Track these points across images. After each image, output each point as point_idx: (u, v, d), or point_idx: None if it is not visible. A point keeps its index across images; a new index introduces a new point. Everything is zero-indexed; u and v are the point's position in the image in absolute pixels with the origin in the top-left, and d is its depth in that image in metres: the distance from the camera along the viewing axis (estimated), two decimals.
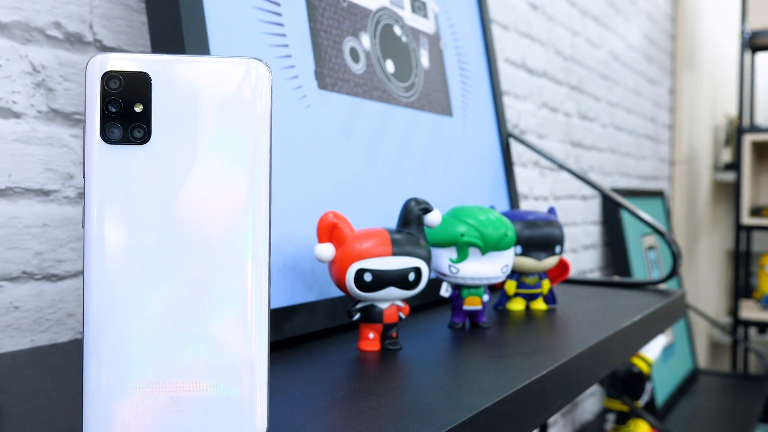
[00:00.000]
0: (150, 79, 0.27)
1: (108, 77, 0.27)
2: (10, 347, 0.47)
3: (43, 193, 0.49)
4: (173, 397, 0.28)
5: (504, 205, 0.82)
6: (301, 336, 0.49)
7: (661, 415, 1.54)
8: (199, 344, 0.28)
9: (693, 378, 1.92)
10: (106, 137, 0.27)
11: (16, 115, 0.48)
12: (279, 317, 0.46)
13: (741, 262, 2.41)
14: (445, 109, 0.74)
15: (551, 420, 1.33)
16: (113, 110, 0.27)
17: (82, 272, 0.27)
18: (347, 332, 0.52)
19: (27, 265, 0.48)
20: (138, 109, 0.27)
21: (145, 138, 0.27)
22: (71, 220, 0.51)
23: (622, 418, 1.32)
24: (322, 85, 0.56)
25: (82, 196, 0.51)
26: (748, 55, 2.39)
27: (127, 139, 0.27)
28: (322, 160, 0.54)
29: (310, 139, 0.54)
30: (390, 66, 0.66)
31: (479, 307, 0.53)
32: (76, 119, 0.51)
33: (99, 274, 0.27)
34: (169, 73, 0.28)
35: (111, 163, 0.27)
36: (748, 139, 2.29)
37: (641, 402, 1.34)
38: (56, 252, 0.50)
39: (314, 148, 0.54)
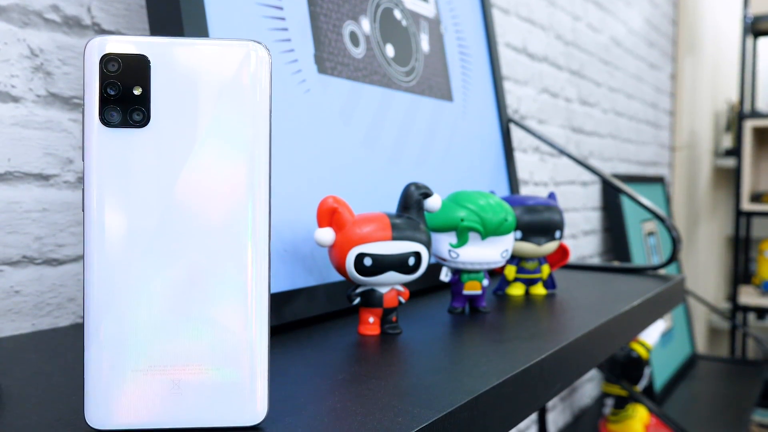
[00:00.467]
0: (149, 61, 0.27)
1: (107, 60, 0.27)
2: (11, 331, 0.47)
3: (43, 178, 0.49)
4: (174, 380, 0.28)
5: (504, 190, 0.82)
6: (302, 320, 0.49)
7: (659, 399, 1.55)
8: (200, 328, 0.28)
9: (691, 363, 1.93)
10: (105, 120, 0.27)
11: (15, 99, 0.48)
12: (279, 301, 0.46)
13: (740, 247, 2.41)
14: (446, 94, 0.73)
15: (550, 404, 1.34)
16: (112, 93, 0.27)
17: (83, 257, 0.27)
18: (347, 316, 0.52)
19: (27, 250, 0.48)
20: (137, 92, 0.27)
21: (144, 121, 0.27)
22: (71, 205, 0.51)
23: (621, 403, 1.33)
24: (322, 69, 0.56)
25: (81, 180, 0.51)
26: (750, 40, 2.38)
27: (126, 123, 0.27)
28: (322, 145, 0.54)
29: (310, 123, 0.53)
30: (390, 50, 0.66)
31: (479, 291, 0.53)
32: (74, 103, 0.51)
33: (99, 258, 0.27)
34: (168, 56, 0.27)
35: (110, 146, 0.27)
36: (748, 125, 2.29)
37: (640, 387, 1.34)
38: (56, 236, 0.50)
39: (314, 133, 0.54)
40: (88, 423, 0.27)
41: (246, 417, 0.28)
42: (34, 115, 0.49)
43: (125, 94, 0.27)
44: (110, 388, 0.27)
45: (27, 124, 0.48)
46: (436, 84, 0.72)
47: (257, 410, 0.28)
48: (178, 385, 0.28)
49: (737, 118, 2.31)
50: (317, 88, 0.55)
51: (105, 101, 0.27)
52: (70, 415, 0.30)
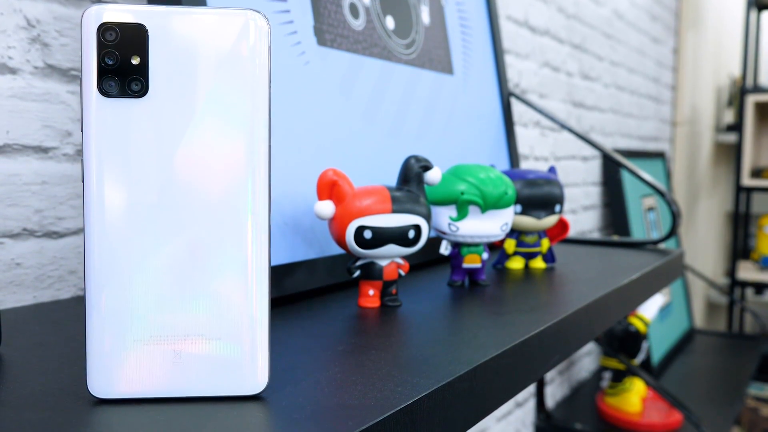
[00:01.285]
0: (147, 30, 0.27)
1: (104, 29, 0.27)
2: (13, 303, 0.48)
3: (42, 150, 0.49)
4: (175, 350, 0.28)
5: (504, 164, 0.82)
6: (302, 293, 0.49)
7: (656, 373, 1.56)
8: (200, 300, 0.28)
9: (689, 337, 1.94)
10: (104, 90, 0.27)
11: (12, 71, 0.47)
12: (279, 274, 0.47)
13: (740, 223, 2.42)
14: (446, 67, 0.73)
15: (548, 377, 1.35)
16: (110, 63, 0.27)
17: (83, 229, 0.27)
18: (347, 289, 0.52)
19: (27, 222, 0.48)
20: (135, 61, 0.27)
21: (142, 91, 0.27)
22: (70, 178, 0.51)
23: (618, 376, 1.34)
24: (322, 41, 0.56)
25: (80, 153, 0.51)
26: (753, 14, 2.36)
27: (124, 93, 0.27)
28: (321, 118, 0.54)
29: (310, 96, 0.53)
30: (390, 22, 0.65)
31: (478, 265, 0.53)
32: (72, 75, 0.51)
33: (99, 229, 0.27)
34: (165, 25, 0.27)
35: (109, 116, 0.27)
36: (751, 100, 2.27)
37: (637, 360, 1.36)
38: (56, 209, 0.50)
39: (314, 105, 0.53)
40: (91, 392, 0.28)
41: (247, 387, 0.29)
42: (32, 87, 0.48)
43: (123, 63, 0.27)
44: (112, 358, 0.28)
45: (25, 96, 0.48)
46: (436, 57, 0.71)
47: (258, 380, 0.29)
48: (180, 355, 0.28)
49: (739, 92, 2.30)
50: (316, 60, 0.55)
51: (103, 71, 0.27)
52: (73, 384, 0.30)
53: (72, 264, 0.51)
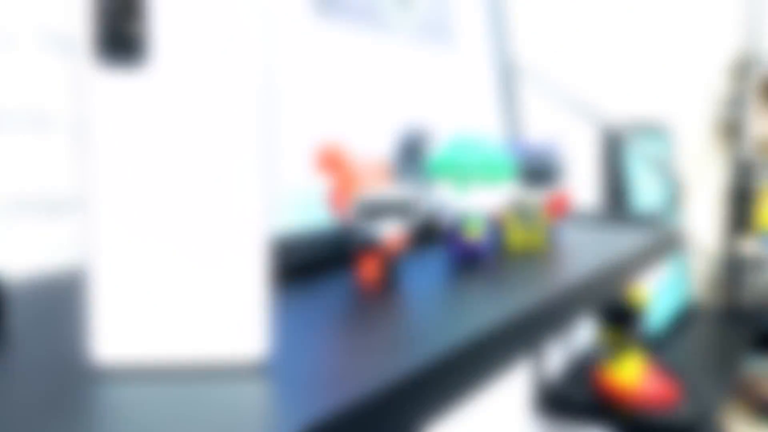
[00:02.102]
0: None
1: None
2: (16, 274, 0.48)
3: (42, 121, 0.49)
4: (177, 318, 0.28)
5: (505, 136, 0.81)
6: (302, 264, 0.50)
7: (654, 346, 1.58)
8: (201, 270, 0.28)
9: (688, 311, 1.95)
10: (103, 58, 0.27)
11: (10, 39, 0.47)
12: (279, 245, 0.47)
13: (742, 198, 2.41)
14: (448, 35, 0.72)
15: (546, 350, 1.36)
16: (109, 30, 0.27)
17: (86, 197, 0.27)
18: (347, 261, 0.52)
19: (30, 193, 0.48)
20: (135, 28, 0.27)
21: (140, 57, 0.27)
22: (72, 148, 0.51)
23: (615, 349, 1.35)
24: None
25: (81, 122, 0.51)
26: None
27: (124, 60, 0.27)
28: (320, 88, 0.53)
29: (309, 67, 0.53)
30: None
31: (478, 238, 0.53)
32: (72, 44, 0.50)
33: (102, 198, 0.27)
34: None
35: (109, 84, 0.27)
36: (755, 74, 2.25)
37: (635, 334, 1.37)
38: (58, 180, 0.50)
39: (312, 75, 0.53)
40: (94, 360, 0.28)
41: (247, 357, 0.29)
42: (30, 56, 0.48)
43: (123, 30, 0.27)
44: (114, 327, 0.28)
45: (24, 66, 0.47)
46: (438, 24, 0.70)
47: (258, 350, 0.29)
48: (181, 323, 0.28)
49: (744, 66, 2.28)
50: (314, 30, 0.54)
51: (102, 38, 0.27)
52: (77, 351, 0.30)
53: (75, 235, 0.51)
